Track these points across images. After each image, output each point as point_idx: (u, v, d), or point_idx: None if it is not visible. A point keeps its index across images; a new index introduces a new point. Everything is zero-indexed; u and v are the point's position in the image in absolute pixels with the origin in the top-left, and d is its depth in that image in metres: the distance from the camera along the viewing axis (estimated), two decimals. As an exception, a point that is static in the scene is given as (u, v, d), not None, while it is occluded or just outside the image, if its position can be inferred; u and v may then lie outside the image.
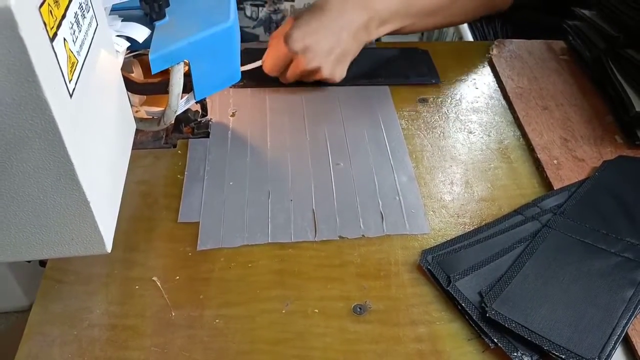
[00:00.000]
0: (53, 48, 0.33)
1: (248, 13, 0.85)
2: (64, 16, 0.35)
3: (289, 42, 0.62)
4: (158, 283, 0.48)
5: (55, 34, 0.33)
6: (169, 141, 0.61)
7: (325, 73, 0.65)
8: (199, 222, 0.53)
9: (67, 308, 0.46)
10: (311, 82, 0.67)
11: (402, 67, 0.72)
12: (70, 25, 0.36)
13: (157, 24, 0.52)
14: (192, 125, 0.63)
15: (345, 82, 0.68)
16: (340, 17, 0.64)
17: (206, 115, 0.64)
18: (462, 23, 0.79)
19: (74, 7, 0.37)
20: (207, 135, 0.62)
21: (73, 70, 0.36)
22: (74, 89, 0.36)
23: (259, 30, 0.88)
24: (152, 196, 0.56)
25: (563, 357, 0.41)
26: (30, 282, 0.75)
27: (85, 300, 0.47)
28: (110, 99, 0.45)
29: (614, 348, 0.42)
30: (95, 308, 0.46)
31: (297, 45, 0.62)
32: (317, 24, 0.63)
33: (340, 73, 0.66)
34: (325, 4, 0.64)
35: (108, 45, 0.45)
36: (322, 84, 0.68)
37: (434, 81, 0.70)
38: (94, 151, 0.39)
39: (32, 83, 0.31)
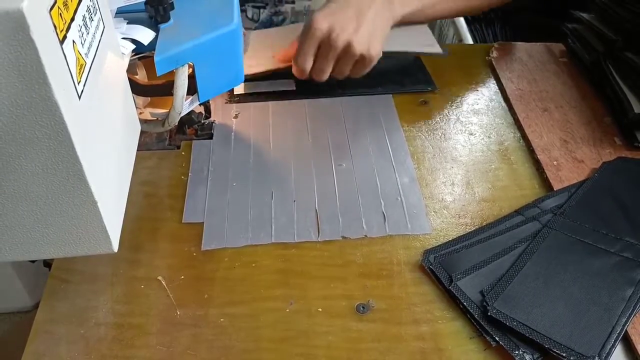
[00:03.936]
0: (63, 50, 0.33)
1: (249, 15, 0.86)
2: (72, 19, 0.35)
3: (314, 23, 0.60)
4: (163, 282, 0.48)
5: (64, 37, 0.34)
6: (172, 142, 0.62)
7: (358, 47, 0.61)
8: (203, 222, 0.53)
9: (74, 307, 0.47)
10: (346, 76, 0.65)
11: (398, 76, 0.72)
12: (79, 28, 0.37)
13: (161, 26, 0.52)
14: (196, 126, 0.63)
15: (344, 92, 0.69)
16: None
17: (209, 117, 0.65)
18: (480, 10, 0.78)
19: (82, 10, 0.37)
20: (210, 136, 0.63)
21: (81, 72, 0.37)
22: (82, 91, 0.36)
23: None
24: (157, 197, 0.56)
25: (564, 355, 0.42)
26: (35, 283, 0.75)
27: (91, 300, 0.47)
28: (117, 101, 0.45)
29: (613, 346, 0.42)
30: (101, 307, 0.47)
31: (322, 24, 0.60)
32: (337, 6, 0.62)
33: (375, 48, 0.63)
34: None
35: (114, 47, 0.46)
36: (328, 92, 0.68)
37: (429, 88, 0.70)
38: (102, 152, 0.40)
39: (42, 85, 0.32)
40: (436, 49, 0.71)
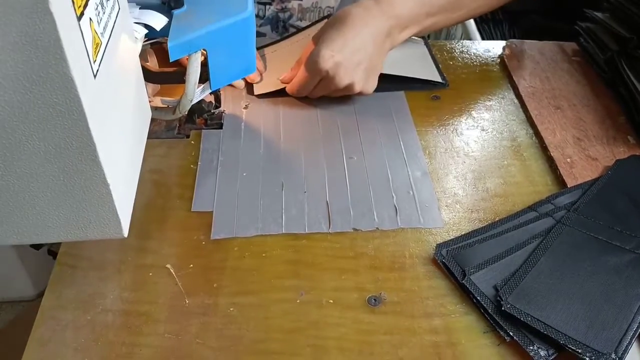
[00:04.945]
0: (80, 27, 0.33)
1: (255, 11, 0.84)
2: (90, -4, 0.35)
3: (319, 62, 0.60)
4: (172, 271, 0.47)
5: (82, 13, 0.33)
6: (182, 131, 0.61)
7: (358, 88, 0.63)
8: (212, 211, 0.53)
9: (80, 293, 0.46)
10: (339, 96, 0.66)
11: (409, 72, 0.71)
12: (96, 6, 0.36)
13: (175, 12, 0.52)
14: (205, 116, 0.63)
15: None
16: (364, 29, 0.62)
17: (219, 107, 0.64)
18: (486, 12, 0.76)
19: (99, -11, 0.37)
20: (220, 126, 0.62)
21: (97, 51, 0.36)
22: (97, 70, 0.36)
23: (266, 29, 0.87)
24: (166, 185, 0.55)
25: (579, 351, 0.41)
26: (39, 272, 0.75)
27: (99, 286, 0.46)
28: (129, 84, 0.45)
29: (630, 343, 0.42)
30: (108, 294, 0.46)
31: (327, 64, 0.60)
32: (342, 40, 0.61)
33: (372, 85, 0.64)
34: (347, 17, 0.62)
35: (128, 30, 0.45)
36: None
37: (442, 82, 0.70)
38: (114, 134, 0.39)
39: (59, 60, 0.31)
40: (436, 77, 0.70)
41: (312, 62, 0.61)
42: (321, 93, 0.65)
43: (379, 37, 0.63)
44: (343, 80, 0.62)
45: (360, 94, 0.64)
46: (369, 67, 0.63)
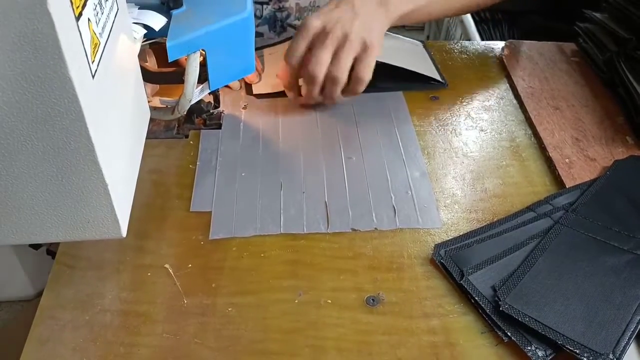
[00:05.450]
0: (78, 27, 0.33)
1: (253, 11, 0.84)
2: (88, -4, 0.35)
3: (306, 22, 0.58)
4: (170, 270, 0.48)
5: (80, 14, 0.33)
6: (181, 131, 0.61)
7: (357, 33, 0.57)
8: (211, 211, 0.53)
9: (79, 293, 0.46)
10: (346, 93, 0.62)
11: (408, 72, 0.71)
12: (94, 7, 0.36)
13: (174, 12, 0.52)
14: (204, 116, 0.63)
15: None
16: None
17: (218, 107, 0.64)
18: (485, 6, 0.75)
19: (98, -11, 0.37)
20: (219, 126, 0.62)
21: (95, 51, 0.36)
22: (96, 70, 0.36)
23: (263, 29, 0.87)
24: (165, 185, 0.56)
25: (577, 351, 0.41)
26: (38, 272, 0.75)
27: (97, 286, 0.46)
28: (128, 84, 0.45)
29: (628, 344, 0.42)
30: (107, 294, 0.46)
31: (315, 22, 0.58)
32: (331, 5, 0.60)
33: (377, 38, 0.59)
34: None
35: (127, 30, 0.45)
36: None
37: (442, 81, 0.70)
38: (113, 134, 0.39)
39: (57, 60, 0.31)
40: (436, 76, 0.70)
41: (302, 24, 0.60)
42: (321, 53, 0.58)
43: (371, 3, 0.61)
44: (336, 27, 0.58)
45: (365, 48, 0.58)
46: (367, 21, 0.59)
